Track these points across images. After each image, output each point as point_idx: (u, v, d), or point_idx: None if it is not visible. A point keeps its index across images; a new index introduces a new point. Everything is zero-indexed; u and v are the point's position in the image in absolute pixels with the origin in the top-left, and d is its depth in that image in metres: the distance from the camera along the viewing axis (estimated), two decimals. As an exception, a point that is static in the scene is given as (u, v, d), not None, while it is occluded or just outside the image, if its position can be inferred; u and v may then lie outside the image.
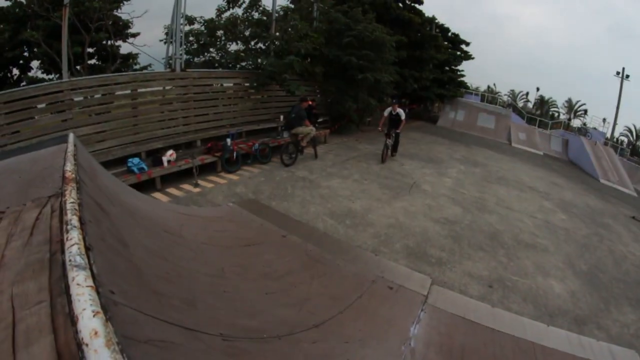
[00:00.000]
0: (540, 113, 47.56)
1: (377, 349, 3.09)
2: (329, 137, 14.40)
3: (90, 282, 1.29)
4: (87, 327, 1.07)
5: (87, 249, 1.55)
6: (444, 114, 26.87)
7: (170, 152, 8.81)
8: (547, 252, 6.94)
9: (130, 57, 15.12)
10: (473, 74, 54.80)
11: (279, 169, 9.93)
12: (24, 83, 14.17)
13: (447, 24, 26.00)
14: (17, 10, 13.36)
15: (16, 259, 1.74)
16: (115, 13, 14.06)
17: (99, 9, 12.45)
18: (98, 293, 1.26)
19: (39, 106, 8.09)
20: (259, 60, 12.50)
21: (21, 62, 14.84)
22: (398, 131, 12.09)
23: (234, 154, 9.62)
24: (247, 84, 12.18)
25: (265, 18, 13.11)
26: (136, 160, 8.15)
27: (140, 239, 2.85)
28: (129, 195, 4.47)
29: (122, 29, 14.55)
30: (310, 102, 11.58)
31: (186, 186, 8.26)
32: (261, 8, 13.12)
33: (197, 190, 8.11)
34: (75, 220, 1.78)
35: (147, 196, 5.91)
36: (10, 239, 1.93)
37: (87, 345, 1.01)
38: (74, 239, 1.58)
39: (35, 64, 14.96)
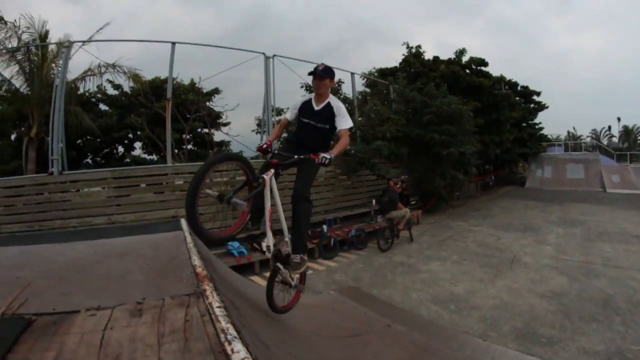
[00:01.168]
0: (628, 145, 44.28)
1: None
2: (421, 217, 14.39)
3: None
4: None
5: None
6: (531, 174, 26.06)
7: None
8: None
9: (224, 144, 16.89)
10: (550, 122, 52.54)
11: (376, 254, 10.05)
12: (127, 160, 16.41)
13: (514, 77, 25.88)
14: (123, 98, 15.85)
15: None
16: (209, 105, 16.03)
17: (195, 101, 14.22)
18: None
19: (142, 185, 9.26)
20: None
21: (126, 142, 17.30)
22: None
23: (331, 241, 9.99)
24: (338, 171, 12.80)
25: (347, 105, 13.95)
26: (236, 244, 8.74)
27: (266, 333, 3.00)
28: (237, 281, 4.83)
29: (215, 119, 16.43)
30: (400, 184, 11.88)
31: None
32: (342, 96, 14.10)
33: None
34: (232, 330, 1.98)
35: (250, 281, 6.28)
36: (162, 340, 2.01)
37: None
38: (241, 352, 1.74)
39: (138, 144, 17.41)
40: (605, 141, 48.68)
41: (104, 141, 16.69)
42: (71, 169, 9.54)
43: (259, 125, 11.91)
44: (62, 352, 1.87)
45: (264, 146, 3.52)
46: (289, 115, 3.92)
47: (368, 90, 16.05)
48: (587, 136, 49.06)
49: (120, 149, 18.21)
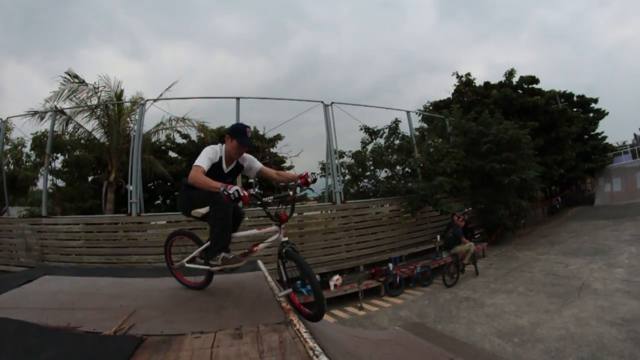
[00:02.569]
0: None
1: None
2: (487, 250, 14.32)
3: None
4: None
5: None
6: (599, 190, 24.75)
7: (337, 277, 9.87)
8: None
9: (289, 187, 17.88)
10: (613, 128, 48.66)
11: (441, 290, 10.16)
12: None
13: (567, 87, 25.07)
14: (191, 146, 17.61)
15: None
16: (273, 150, 17.23)
17: (260, 148, 15.33)
18: None
19: None
20: (409, 184, 13.45)
21: None
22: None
23: (397, 278, 10.25)
24: (402, 209, 13.13)
25: (406, 143, 14.39)
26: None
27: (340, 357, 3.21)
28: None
29: (280, 163, 17.56)
30: (464, 218, 12.01)
31: (351, 309, 8.99)
32: (400, 134, 14.56)
33: (362, 313, 8.78)
34: (318, 348, 2.36)
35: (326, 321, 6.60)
36: (263, 355, 2.30)
37: None
38: None
39: None
40: None
41: (173, 185, 18.17)
42: (144, 208, 10.65)
43: (322, 169, 12.59)
44: None
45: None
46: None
47: (425, 125, 16.40)
48: None
49: None
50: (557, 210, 23.49)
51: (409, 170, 14.48)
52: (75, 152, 14.83)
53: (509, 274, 11.19)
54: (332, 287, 9.60)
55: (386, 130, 14.47)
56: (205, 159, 3.48)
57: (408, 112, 14.98)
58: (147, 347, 2.40)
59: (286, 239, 3.30)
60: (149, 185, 17.68)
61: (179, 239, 4.29)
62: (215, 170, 3.60)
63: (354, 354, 4.15)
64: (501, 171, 14.19)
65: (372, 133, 14.66)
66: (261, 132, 17.52)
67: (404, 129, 14.72)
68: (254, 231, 3.61)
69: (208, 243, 3.66)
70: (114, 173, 12.95)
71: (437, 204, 12.87)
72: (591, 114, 26.14)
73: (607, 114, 26.32)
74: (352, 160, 14.61)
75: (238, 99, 11.56)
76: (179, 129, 14.26)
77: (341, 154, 13.89)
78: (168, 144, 19.06)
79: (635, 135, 44.28)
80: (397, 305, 9.35)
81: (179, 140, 18.80)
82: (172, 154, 19.65)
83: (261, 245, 3.46)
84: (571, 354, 5.99)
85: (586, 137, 25.12)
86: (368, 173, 14.56)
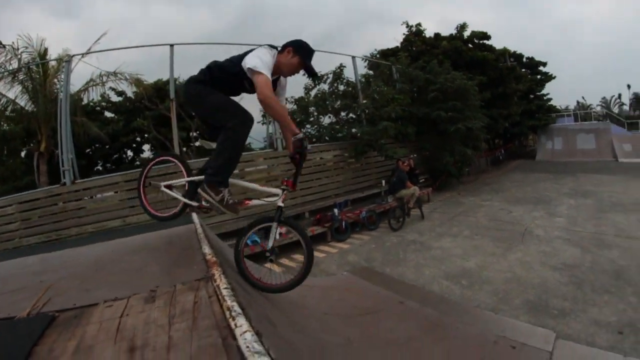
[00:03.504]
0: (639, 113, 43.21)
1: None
2: (432, 195, 14.48)
3: None
4: None
5: (257, 334, 1.76)
6: (541, 146, 25.75)
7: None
8: None
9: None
10: (558, 93, 51.05)
11: (387, 234, 10.11)
12: (137, 163, 16.97)
13: (519, 49, 25.44)
14: (127, 104, 16.15)
15: (186, 341, 1.90)
16: None
17: None
18: None
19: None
20: (354, 130, 13.25)
21: (134, 145, 17.66)
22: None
23: (343, 224, 10.06)
24: (346, 154, 12.92)
25: (351, 89, 13.96)
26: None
27: (276, 314, 3.06)
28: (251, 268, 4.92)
29: None
30: (409, 163, 11.91)
31: (298, 257, 8.58)
32: (345, 80, 14.04)
33: None
34: (237, 307, 2.06)
35: (264, 267, 6.33)
36: (173, 321, 2.13)
37: None
38: (243, 326, 1.80)
39: (146, 147, 17.79)
40: (615, 109, 48.03)
41: (112, 147, 17.05)
42: (82, 177, 9.73)
43: (264, 116, 11.98)
44: (83, 340, 2.00)
45: None
46: None
47: (371, 72, 16.04)
48: (597, 105, 48.23)
49: (130, 153, 18.68)
50: (500, 162, 24.15)
51: (354, 117, 14.18)
52: (1, 126, 13.58)
53: (454, 218, 11.31)
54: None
55: (330, 76, 13.91)
56: (266, 67, 2.74)
57: (353, 57, 14.56)
58: (58, 325, 2.21)
59: (283, 204, 3.08)
60: (86, 151, 16.39)
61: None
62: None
63: (300, 304, 4.12)
64: (447, 119, 14.21)
65: (315, 78, 14.08)
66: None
67: (349, 74, 14.29)
68: (256, 185, 3.31)
69: (198, 176, 3.18)
70: (44, 142, 11.67)
71: (381, 149, 12.75)
72: (539, 76, 26.76)
73: (554, 77, 27.22)
74: (295, 107, 14.02)
75: (172, 45, 10.55)
76: (111, 85, 12.89)
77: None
78: (103, 103, 17.57)
79: (578, 102, 46.78)
80: (344, 250, 9.18)
81: (115, 98, 17.30)
82: (108, 114, 18.20)
83: (254, 202, 3.17)
84: (518, 295, 6.15)
85: (532, 96, 25.84)
86: (311, 119, 14.09)
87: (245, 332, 1.77)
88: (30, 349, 1.90)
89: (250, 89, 2.90)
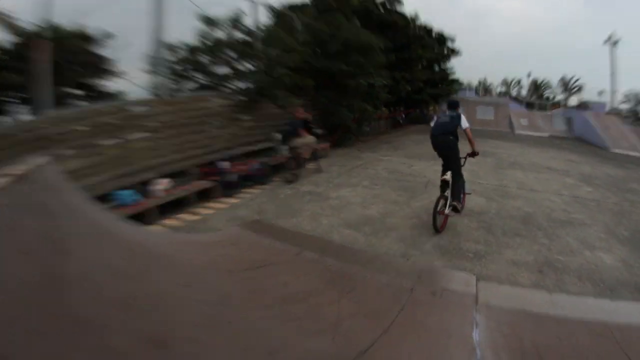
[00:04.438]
0: (536, 97, 47.82)
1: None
2: (330, 151, 13.88)
3: None
4: None
5: None
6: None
7: (165, 181, 8.28)
8: (585, 225, 6.64)
9: (119, 94, 15.06)
10: (464, 72, 54.65)
11: (282, 187, 9.37)
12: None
13: (430, 25, 25.83)
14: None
15: None
16: (99, 53, 14.01)
17: (81, 49, 12.35)
18: None
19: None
20: (248, 80, 12.31)
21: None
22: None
23: (233, 177, 9.11)
24: (238, 105, 11.91)
25: (249, 38, 12.82)
26: (128, 192, 7.58)
27: (102, 256, 2.55)
28: (113, 223, 3.93)
29: (106, 67, 14.44)
30: (304, 114, 11.07)
31: (184, 215, 7.70)
32: (243, 28, 12.84)
33: (196, 217, 7.51)
34: None
35: (138, 226, 5.35)
36: None
37: None
38: None
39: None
40: (514, 92, 52.35)
41: None
42: None
43: (149, 64, 10.55)
44: None
45: None
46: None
47: (272, 22, 15.17)
48: (497, 86, 52.42)
49: None
50: (400, 126, 24.75)
51: (249, 68, 13.03)
52: None
53: (353, 170, 11.01)
54: (160, 193, 7.99)
55: (228, 22, 12.62)
56: None
57: (254, 2, 13.70)
58: None
59: None
60: None
61: None
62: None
63: (163, 257, 3.54)
64: (348, 73, 13.70)
65: (210, 24, 12.72)
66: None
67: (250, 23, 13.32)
68: None
69: None
70: None
71: (276, 98, 11.95)
72: (445, 51, 27.18)
73: (459, 53, 28.01)
74: (186, 54, 12.61)
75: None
76: None
77: (172, 47, 11.82)
78: None
79: (479, 81, 50.59)
80: (234, 204, 8.20)
81: None
82: None
83: None
84: (427, 240, 5.79)
85: (437, 69, 26.36)
86: (205, 68, 12.79)
87: None
88: None
89: None
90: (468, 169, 10.32)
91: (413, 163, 11.81)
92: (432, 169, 10.57)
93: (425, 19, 23.79)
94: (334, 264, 3.95)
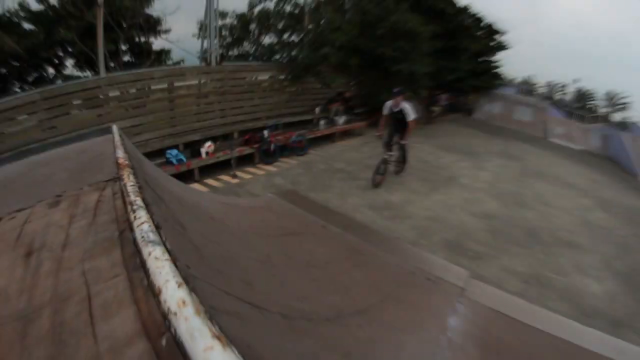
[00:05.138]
0: (579, 106, 45.72)
1: (416, 336, 3.14)
2: (366, 130, 14.35)
3: (167, 256, 1.33)
4: (174, 297, 1.11)
5: (157, 227, 1.60)
6: (480, 106, 26.38)
7: (209, 143, 8.99)
8: (585, 251, 6.74)
9: (163, 53, 15.65)
10: (511, 65, 52.54)
11: (316, 161, 9.99)
12: (59, 81, 14.71)
13: (480, 14, 25.30)
14: (49, 12, 13.94)
15: (82, 237, 1.80)
16: (147, 11, 14.53)
17: (132, 7, 12.89)
18: (176, 267, 1.29)
19: (75, 102, 8.47)
20: (293, 53, 12.59)
21: (56, 61, 15.46)
22: (403, 142, 8.59)
23: (272, 146, 9.75)
24: (282, 77, 12.32)
25: (297, 11, 13.26)
26: (174, 152, 8.38)
27: (192, 223, 2.87)
28: (173, 183, 4.66)
29: (154, 26, 15.00)
30: (347, 94, 11.61)
31: (224, 177, 8.45)
32: (293, 1, 13.29)
33: (235, 181, 8.29)
34: (139, 201, 1.86)
35: (188, 186, 6.10)
36: (73, 220, 2.00)
37: (175, 314, 1.04)
38: (142, 218, 1.64)
39: (70, 62, 15.63)
40: (558, 96, 49.95)
41: (30, 64, 14.71)
42: None
43: (200, 29, 11.04)
44: None
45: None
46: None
47: None
48: (542, 87, 50.49)
49: (51, 70, 16.33)
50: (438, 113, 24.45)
51: (296, 40, 13.46)
52: None
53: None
54: (203, 155, 8.82)
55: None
56: None
57: None
58: None
59: None
60: (0, 71, 13.80)
61: None
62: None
63: (219, 220, 3.81)
64: (392, 58, 13.88)
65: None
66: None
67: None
68: None
69: None
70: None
71: (319, 75, 12.35)
72: (492, 43, 26.63)
73: (507, 48, 26.72)
74: (235, 22, 13.08)
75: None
76: None
77: (223, 15, 12.28)
78: (21, 13, 15.10)
79: (525, 79, 48.46)
80: (271, 172, 8.97)
81: (35, 6, 14.81)
82: (27, 26, 15.67)
83: None
84: (437, 233, 6.46)
85: (482, 60, 25.72)
86: (252, 37, 13.28)
87: (143, 223, 1.61)
88: None
89: None
90: (492, 170, 10.90)
91: (442, 155, 12.15)
92: (458, 164, 11.11)
93: (478, 4, 23.15)
94: (353, 240, 4.57)
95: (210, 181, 8.27)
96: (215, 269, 2.10)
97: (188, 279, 1.26)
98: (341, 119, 12.72)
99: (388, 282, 3.82)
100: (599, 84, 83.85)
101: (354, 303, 3.19)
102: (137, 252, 1.48)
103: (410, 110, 8.01)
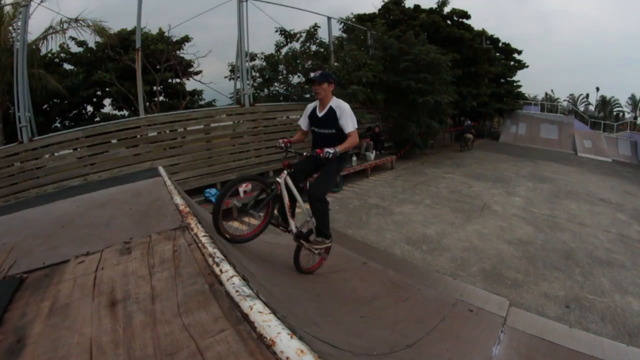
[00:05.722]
0: (604, 115, 44.76)
1: (463, 368, 3.28)
2: (396, 163, 14.58)
3: (268, 309, 1.49)
4: (290, 347, 1.25)
5: (244, 279, 1.77)
6: (505, 129, 26.25)
7: (246, 183, 9.35)
8: (623, 268, 6.60)
9: (196, 93, 16.50)
10: (529, 82, 51.92)
11: (351, 197, 10.18)
12: (97, 119, 15.55)
13: (496, 33, 25.55)
14: (88, 55, 14.88)
15: (170, 290, 1.89)
16: (179, 54, 15.38)
17: (165, 51, 13.66)
18: (277, 318, 1.45)
19: (113, 141, 9.04)
20: None
21: (94, 100, 16.40)
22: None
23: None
24: None
25: (322, 50, 13.76)
26: (213, 190, 8.82)
27: (250, 266, 3.08)
28: None
29: (186, 68, 15.85)
30: (376, 128, 11.89)
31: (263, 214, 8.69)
32: (318, 40, 13.82)
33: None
34: (219, 253, 2.06)
35: (230, 225, 6.35)
36: (153, 271, 2.12)
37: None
38: (229, 272, 1.81)
39: (107, 101, 16.55)
40: (581, 108, 48.89)
41: (71, 102, 15.54)
42: (40, 134, 8.92)
43: (232, 71, 11.58)
44: (57, 299, 1.93)
45: (282, 145, 4.01)
46: (301, 123, 4.13)
47: (345, 35, 15.78)
48: (564, 100, 49.27)
49: (90, 108, 16.99)
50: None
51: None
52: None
53: (416, 187, 11.53)
54: (241, 194, 9.16)
55: (303, 34, 13.58)
56: None
57: (329, 18, 14.15)
58: (28, 287, 2.13)
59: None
60: (43, 107, 14.79)
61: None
62: (313, 118, 4.04)
63: (269, 259, 4.35)
64: (417, 90, 14.24)
65: (288, 36, 13.69)
66: (166, 33, 15.31)
67: (323, 35, 14.02)
68: None
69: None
70: (-1, 97, 10.49)
71: None
72: (512, 62, 26.86)
73: (527, 66, 27.36)
74: (264, 63, 13.64)
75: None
76: (72, 33, 11.51)
77: (252, 57, 12.85)
78: (62, 54, 15.76)
79: (546, 93, 47.83)
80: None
81: (75, 49, 15.47)
82: (67, 67, 16.13)
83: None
84: (475, 264, 6.44)
85: (502, 81, 25.99)
86: (280, 77, 13.80)
87: (233, 277, 1.76)
88: (1, 317, 1.81)
89: None
90: (523, 195, 10.93)
91: (473, 183, 12.15)
92: (489, 191, 11.10)
93: (491, 27, 23.43)
94: (394, 276, 4.74)
95: (249, 219, 8.42)
96: (292, 313, 2.33)
97: (295, 330, 1.43)
98: (372, 154, 13.03)
99: (432, 315, 4.04)
100: (620, 88, 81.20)
101: (403, 337, 3.43)
102: (236, 306, 1.63)
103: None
